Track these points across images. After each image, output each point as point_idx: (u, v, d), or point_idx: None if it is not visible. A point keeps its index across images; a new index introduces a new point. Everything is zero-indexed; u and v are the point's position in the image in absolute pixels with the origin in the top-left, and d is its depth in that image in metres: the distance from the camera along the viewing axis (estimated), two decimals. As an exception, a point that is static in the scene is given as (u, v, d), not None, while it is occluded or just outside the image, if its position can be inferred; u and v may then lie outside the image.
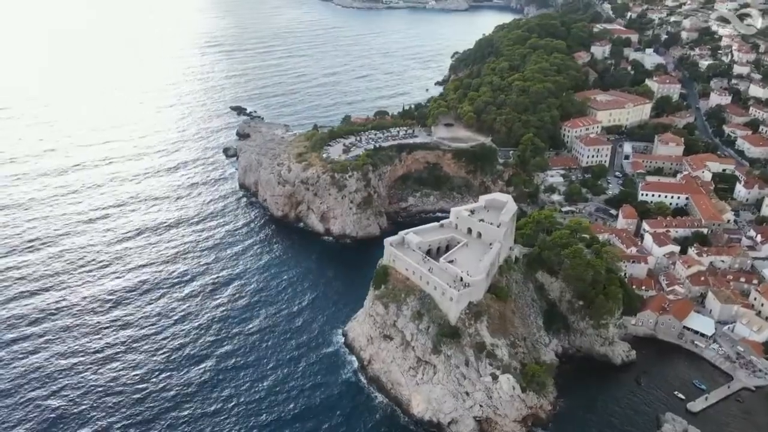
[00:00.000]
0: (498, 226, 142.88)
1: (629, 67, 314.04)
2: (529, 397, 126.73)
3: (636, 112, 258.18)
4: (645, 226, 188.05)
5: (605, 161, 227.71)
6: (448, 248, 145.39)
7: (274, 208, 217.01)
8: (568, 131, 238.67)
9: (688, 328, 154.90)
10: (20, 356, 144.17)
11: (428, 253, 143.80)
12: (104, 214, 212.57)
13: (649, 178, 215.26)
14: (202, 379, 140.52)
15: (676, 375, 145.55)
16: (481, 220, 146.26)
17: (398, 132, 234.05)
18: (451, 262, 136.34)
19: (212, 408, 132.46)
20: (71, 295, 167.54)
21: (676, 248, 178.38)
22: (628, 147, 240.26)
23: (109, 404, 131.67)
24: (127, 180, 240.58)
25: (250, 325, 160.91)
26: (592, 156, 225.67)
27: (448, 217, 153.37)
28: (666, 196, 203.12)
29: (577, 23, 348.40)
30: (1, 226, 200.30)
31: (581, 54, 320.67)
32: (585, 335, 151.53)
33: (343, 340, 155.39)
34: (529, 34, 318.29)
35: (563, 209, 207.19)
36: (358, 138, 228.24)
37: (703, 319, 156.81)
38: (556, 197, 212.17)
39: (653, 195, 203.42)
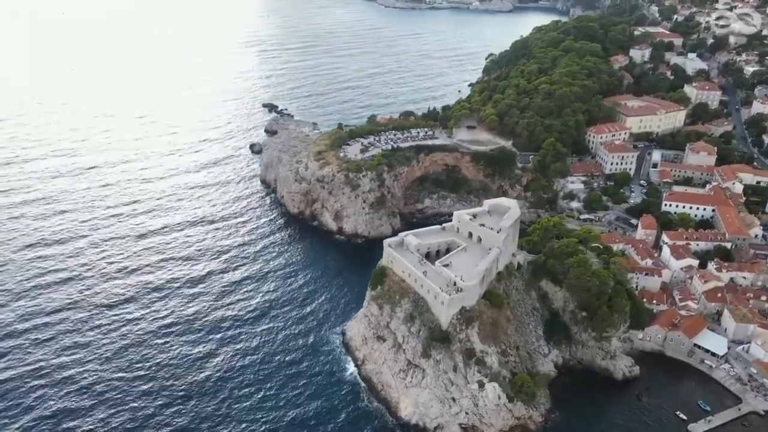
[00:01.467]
0: (498, 232, 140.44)
1: (669, 72, 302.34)
2: (516, 408, 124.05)
3: (669, 119, 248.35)
4: (664, 237, 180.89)
5: (630, 169, 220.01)
6: (448, 252, 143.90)
7: (290, 205, 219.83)
8: (593, 137, 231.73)
9: (699, 346, 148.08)
10: (36, 344, 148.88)
11: (427, 256, 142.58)
12: (132, 209, 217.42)
13: (676, 188, 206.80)
14: (204, 375, 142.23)
15: (680, 394, 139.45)
16: (482, 225, 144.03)
17: (418, 133, 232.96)
18: (446, 266, 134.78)
19: (208, 402, 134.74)
20: (91, 287, 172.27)
21: (695, 262, 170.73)
22: (657, 155, 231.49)
23: (111, 397, 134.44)
24: (155, 175, 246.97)
25: (256, 322, 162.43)
26: (616, 163, 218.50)
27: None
28: (691, 207, 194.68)
29: (616, 26, 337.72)
30: (32, 217, 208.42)
31: (618, 57, 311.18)
32: (587, 347, 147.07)
33: (341, 338, 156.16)
34: (565, 36, 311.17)
35: (581, 217, 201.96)
36: (377, 138, 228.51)
37: (716, 337, 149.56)
38: (575, 204, 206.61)
39: (677, 206, 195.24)
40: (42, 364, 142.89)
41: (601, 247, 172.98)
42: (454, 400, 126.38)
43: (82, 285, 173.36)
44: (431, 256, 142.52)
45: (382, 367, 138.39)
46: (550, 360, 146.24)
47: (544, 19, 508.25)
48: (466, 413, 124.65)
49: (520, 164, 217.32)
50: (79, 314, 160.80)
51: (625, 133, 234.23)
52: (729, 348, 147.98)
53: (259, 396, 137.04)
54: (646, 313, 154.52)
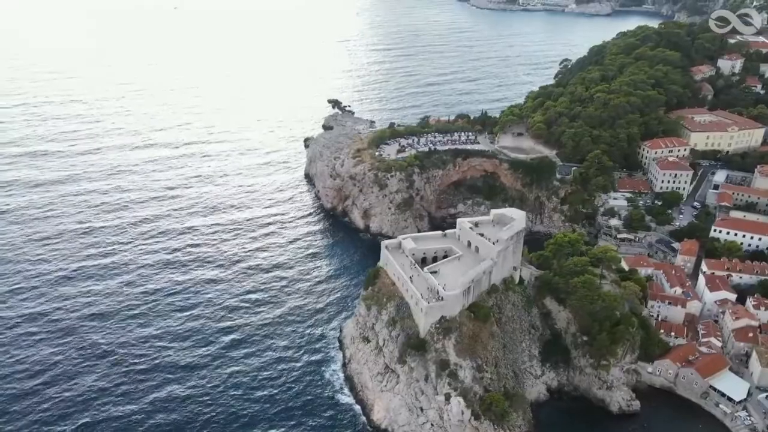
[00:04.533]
0: (495, 243, 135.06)
1: (759, 86, 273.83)
2: (483, 426, 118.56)
3: (742, 137, 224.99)
4: (703, 266, 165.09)
5: (683, 188, 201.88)
6: (446, 258, 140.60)
7: (325, 200, 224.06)
8: (647, 151, 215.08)
9: (715, 389, 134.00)
10: (67, 313, 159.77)
11: (424, 261, 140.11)
12: (180, 193, 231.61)
13: (734, 213, 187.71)
14: (198, 356, 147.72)
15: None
16: (482, 234, 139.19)
17: (459, 136, 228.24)
18: (434, 273, 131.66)
19: (196, 380, 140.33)
20: (125, 260, 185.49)
21: (732, 296, 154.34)
22: (720, 175, 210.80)
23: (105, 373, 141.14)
24: (205, 159, 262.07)
25: (265, 310, 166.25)
26: (668, 181, 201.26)
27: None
28: (744, 236, 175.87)
29: (705, 33, 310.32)
30: (88, 198, 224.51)
31: (702, 68, 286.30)
32: (584, 374, 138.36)
33: (339, 334, 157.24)
34: (642, 43, 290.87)
35: (619, 236, 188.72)
36: (417, 139, 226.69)
37: (736, 380, 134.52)
38: (614, 222, 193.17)
39: (728, 232, 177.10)
40: (55, 342, 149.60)
41: (626, 269, 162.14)
42: (422, 409, 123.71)
43: (121, 268, 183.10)
44: (428, 262, 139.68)
45: (363, 367, 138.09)
46: (542, 382, 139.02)
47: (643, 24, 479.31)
48: (432, 425, 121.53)
49: (559, 175, 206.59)
50: (111, 289, 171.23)
51: (685, 150, 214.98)
52: (750, 394, 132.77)
53: (245, 384, 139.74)
54: (659, 345, 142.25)
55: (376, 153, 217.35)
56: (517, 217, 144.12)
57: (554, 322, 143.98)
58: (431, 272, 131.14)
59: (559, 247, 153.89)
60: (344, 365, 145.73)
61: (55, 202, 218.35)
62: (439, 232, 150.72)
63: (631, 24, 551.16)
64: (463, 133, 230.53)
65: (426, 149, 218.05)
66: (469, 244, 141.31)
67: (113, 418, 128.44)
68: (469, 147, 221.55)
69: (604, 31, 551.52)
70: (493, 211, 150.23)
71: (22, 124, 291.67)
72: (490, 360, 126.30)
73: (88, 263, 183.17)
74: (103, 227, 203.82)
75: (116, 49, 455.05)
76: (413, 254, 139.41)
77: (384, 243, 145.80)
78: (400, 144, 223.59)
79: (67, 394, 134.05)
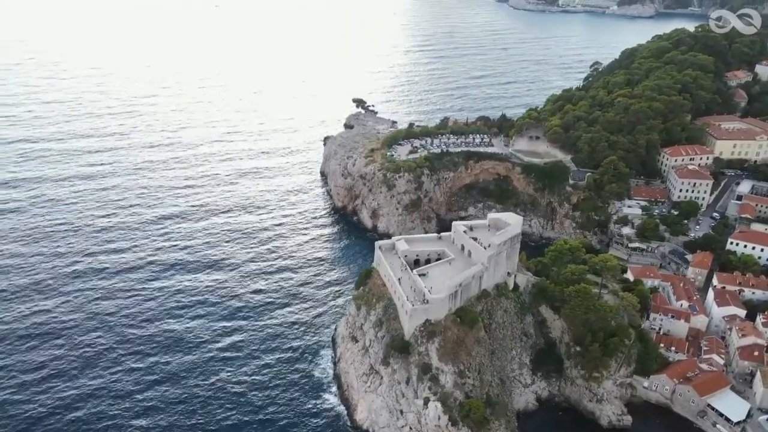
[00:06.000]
0: (486, 248, 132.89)
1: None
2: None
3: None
4: (714, 279, 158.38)
5: (703, 198, 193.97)
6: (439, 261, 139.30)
7: (336, 199, 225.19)
8: (666, 159, 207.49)
9: (714, 408, 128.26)
10: (72, 307, 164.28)
11: (417, 263, 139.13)
12: (199, 187, 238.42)
13: (755, 226, 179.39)
14: (194, 350, 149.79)
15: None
16: (475, 239, 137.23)
17: (473, 139, 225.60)
18: (423, 275, 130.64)
19: (190, 374, 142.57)
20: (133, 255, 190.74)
21: (741, 312, 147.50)
22: (745, 186, 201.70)
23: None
24: (227, 159, 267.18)
25: (266, 314, 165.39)
26: (687, 190, 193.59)
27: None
28: (762, 250, 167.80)
29: (744, 36, 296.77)
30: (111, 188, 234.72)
31: (738, 73, 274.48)
32: (575, 385, 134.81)
33: (333, 333, 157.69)
34: (673, 46, 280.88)
35: (631, 245, 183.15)
36: (431, 140, 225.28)
37: (735, 400, 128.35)
38: (626, 230, 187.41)
39: (745, 245, 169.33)
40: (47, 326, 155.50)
41: (632, 279, 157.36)
42: (401, 412, 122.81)
43: (129, 253, 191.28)
44: (421, 264, 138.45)
45: (350, 367, 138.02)
46: (531, 391, 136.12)
47: (688, 27, 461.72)
48: (410, 428, 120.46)
49: (572, 181, 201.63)
50: (117, 283, 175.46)
51: (708, 158, 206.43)
52: (751, 415, 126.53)
53: (238, 383, 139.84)
54: (658, 359, 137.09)
55: (388, 153, 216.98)
56: (513, 222, 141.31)
57: (549, 331, 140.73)
58: (420, 275, 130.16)
59: (559, 254, 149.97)
60: (334, 364, 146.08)
61: (77, 197, 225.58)
62: (435, 234, 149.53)
63: (673, 27, 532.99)
64: (477, 136, 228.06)
65: (438, 150, 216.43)
66: (463, 247, 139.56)
67: (108, 414, 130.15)
68: (482, 149, 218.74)
69: (646, 34, 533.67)
70: (490, 216, 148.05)
71: (58, 119, 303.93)
72: (474, 366, 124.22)
73: (99, 259, 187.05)
74: (119, 223, 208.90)
75: (157, 46, 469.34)
76: (405, 256, 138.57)
77: (378, 243, 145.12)
78: (412, 145, 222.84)
79: (62, 389, 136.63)
